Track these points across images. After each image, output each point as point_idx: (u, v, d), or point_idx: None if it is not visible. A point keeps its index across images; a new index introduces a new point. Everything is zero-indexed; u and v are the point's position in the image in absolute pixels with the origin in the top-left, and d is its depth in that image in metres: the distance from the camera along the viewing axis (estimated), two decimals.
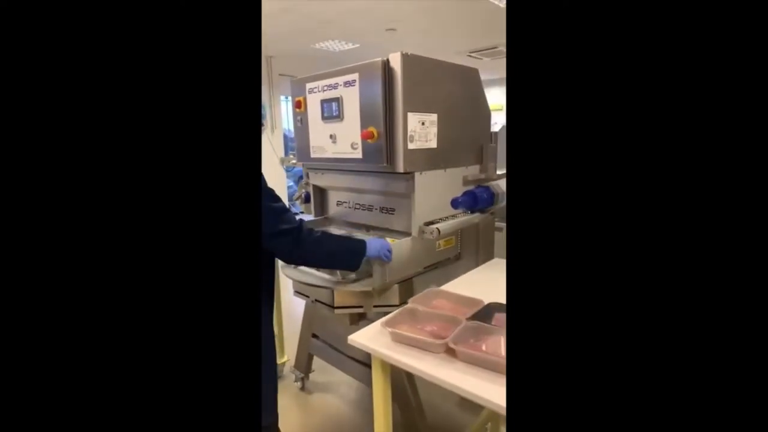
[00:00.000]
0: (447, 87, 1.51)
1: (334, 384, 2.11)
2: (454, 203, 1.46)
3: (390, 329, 0.93)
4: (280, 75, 5.03)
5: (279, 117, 5.74)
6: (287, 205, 1.19)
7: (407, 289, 1.51)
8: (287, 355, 2.23)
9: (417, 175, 1.44)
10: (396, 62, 1.33)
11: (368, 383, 1.03)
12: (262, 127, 5.10)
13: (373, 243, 1.32)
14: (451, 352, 0.87)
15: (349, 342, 0.98)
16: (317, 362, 2.02)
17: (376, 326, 1.01)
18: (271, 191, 1.13)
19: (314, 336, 1.92)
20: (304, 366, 2.03)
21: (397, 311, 1.05)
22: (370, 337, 0.98)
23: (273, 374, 1.22)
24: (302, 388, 2.08)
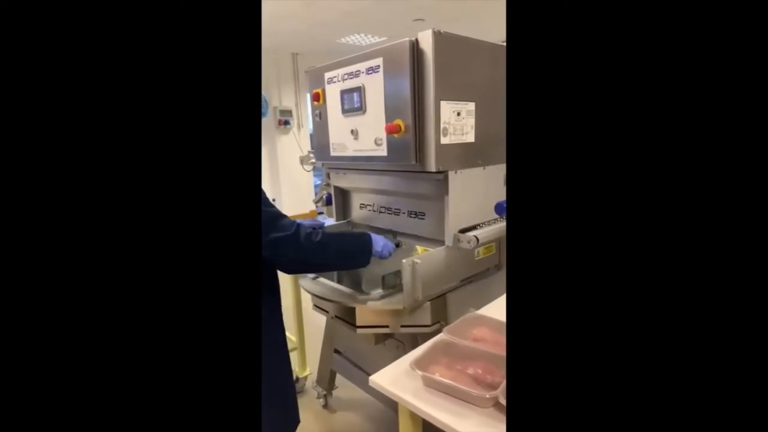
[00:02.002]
0: (487, 71, 1.29)
1: (360, 402, 1.94)
2: (500, 209, 1.23)
3: (422, 373, 0.74)
4: (306, 72, 4.93)
5: (306, 115, 5.65)
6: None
7: (439, 306, 1.31)
8: (309, 368, 2.08)
9: (451, 174, 1.23)
10: (426, 42, 1.13)
11: (394, 408, 0.86)
12: (288, 126, 4.99)
13: (376, 238, 1.22)
14: (501, 408, 0.67)
15: (370, 384, 0.80)
16: (342, 378, 1.85)
17: (403, 364, 0.82)
18: (263, 195, 1.01)
19: (337, 352, 1.75)
20: (326, 383, 1.87)
21: (429, 345, 0.85)
22: (395, 379, 0.79)
23: (289, 382, 1.16)
24: (325, 406, 1.93)
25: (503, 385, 0.68)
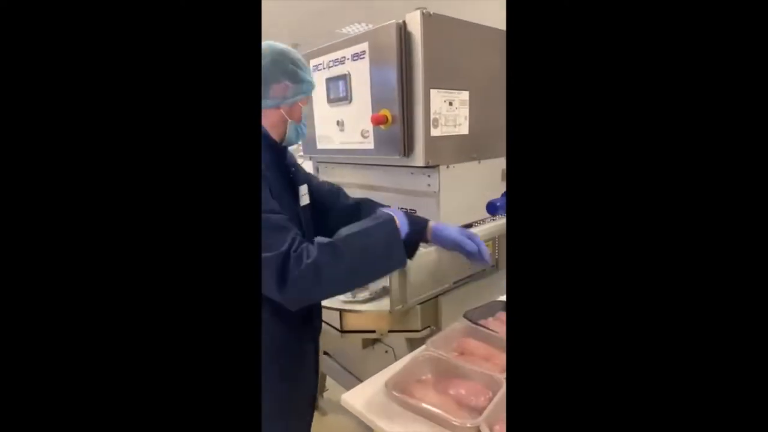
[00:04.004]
0: (482, 56, 1.19)
1: None
2: (491, 208, 1.14)
3: (397, 394, 0.66)
4: None
5: None
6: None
7: (431, 310, 1.23)
8: None
9: (443, 168, 1.14)
10: (414, 24, 1.03)
11: None
12: None
13: (396, 216, 0.81)
14: None
15: (342, 404, 0.72)
16: (333, 380, 1.79)
17: (380, 380, 0.74)
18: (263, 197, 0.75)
19: (326, 354, 1.68)
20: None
21: (409, 359, 0.77)
22: (371, 398, 0.71)
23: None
24: (315, 408, 1.86)
25: (487, 410, 0.60)
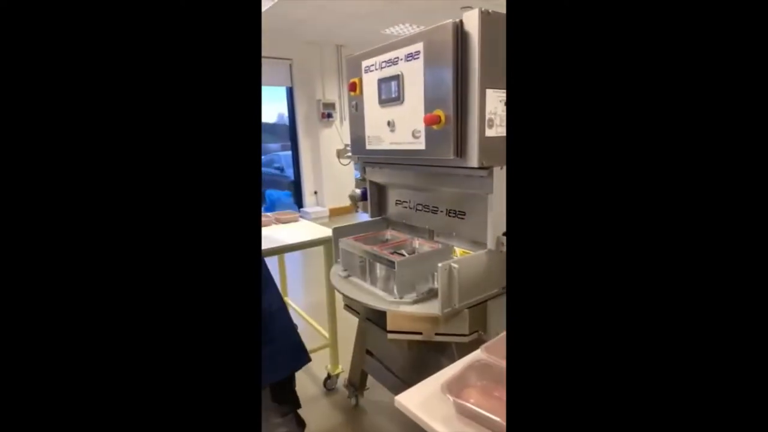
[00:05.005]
0: None
1: (391, 405, 1.87)
2: None
3: (453, 399, 0.65)
4: (345, 59, 4.90)
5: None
6: None
7: (479, 315, 1.20)
8: (342, 366, 2.05)
9: (496, 170, 1.11)
10: (472, 23, 1.01)
11: None
12: (331, 119, 5.05)
13: None
14: None
15: (395, 405, 0.72)
16: (373, 379, 1.80)
17: (434, 384, 0.73)
18: None
19: (369, 353, 1.69)
20: (357, 383, 1.82)
21: (463, 364, 0.75)
22: (424, 401, 0.70)
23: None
24: (356, 406, 1.88)
25: None
